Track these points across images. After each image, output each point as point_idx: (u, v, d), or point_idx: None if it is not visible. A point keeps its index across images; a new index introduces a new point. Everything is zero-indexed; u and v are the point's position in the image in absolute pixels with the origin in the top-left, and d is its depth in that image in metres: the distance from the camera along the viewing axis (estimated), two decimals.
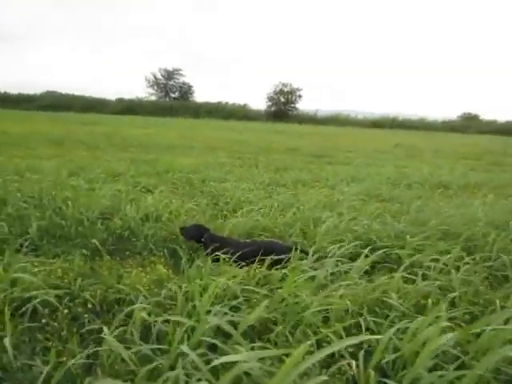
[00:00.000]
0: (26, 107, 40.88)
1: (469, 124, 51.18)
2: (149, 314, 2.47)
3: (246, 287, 2.60)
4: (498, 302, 2.77)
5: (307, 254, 3.55)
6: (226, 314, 2.32)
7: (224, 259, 3.30)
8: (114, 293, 2.81)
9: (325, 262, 3.30)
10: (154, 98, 51.58)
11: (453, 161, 13.99)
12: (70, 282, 2.89)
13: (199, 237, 3.84)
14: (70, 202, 4.55)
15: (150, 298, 2.68)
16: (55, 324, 2.41)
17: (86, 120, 26.24)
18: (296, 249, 3.68)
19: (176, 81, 52.15)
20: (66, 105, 43.53)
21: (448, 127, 49.20)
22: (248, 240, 4.10)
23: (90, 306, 2.65)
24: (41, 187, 5.15)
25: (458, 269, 3.29)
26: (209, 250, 3.55)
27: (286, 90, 49.65)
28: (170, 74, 51.96)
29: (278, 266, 3.23)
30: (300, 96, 50.14)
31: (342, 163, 11.44)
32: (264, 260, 3.32)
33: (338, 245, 3.66)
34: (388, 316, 2.55)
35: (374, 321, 2.47)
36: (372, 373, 1.83)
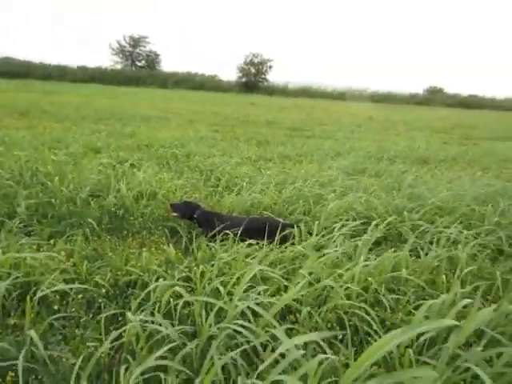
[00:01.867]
0: None
1: (434, 97, 52.49)
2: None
3: (266, 268, 2.54)
4: (498, 275, 2.88)
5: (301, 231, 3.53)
6: (249, 295, 2.27)
7: (228, 237, 3.23)
8: (125, 275, 2.69)
9: (332, 240, 3.30)
10: (119, 66, 49.20)
11: (425, 134, 14.33)
12: (75, 264, 2.74)
13: (191, 213, 3.73)
14: (56, 179, 4.30)
15: (164, 279, 2.59)
16: (71, 310, 2.28)
17: (47, 89, 24.75)
18: (291, 226, 3.67)
19: (142, 49, 49.75)
20: (24, 72, 40.68)
21: (414, 100, 50.23)
22: (242, 216, 4.05)
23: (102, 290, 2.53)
24: (20, 162, 4.82)
25: (458, 244, 3.40)
26: (214, 231, 3.43)
27: (256, 60, 48.66)
28: (135, 42, 49.36)
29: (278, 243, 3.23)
30: (271, 67, 49.36)
31: (320, 137, 11.45)
32: (261, 236, 3.29)
33: (341, 223, 3.64)
34: (405, 292, 2.60)
35: (394, 298, 2.51)
36: (409, 351, 1.85)
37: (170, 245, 3.15)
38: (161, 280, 2.42)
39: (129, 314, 2.04)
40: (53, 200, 3.92)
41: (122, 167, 5.12)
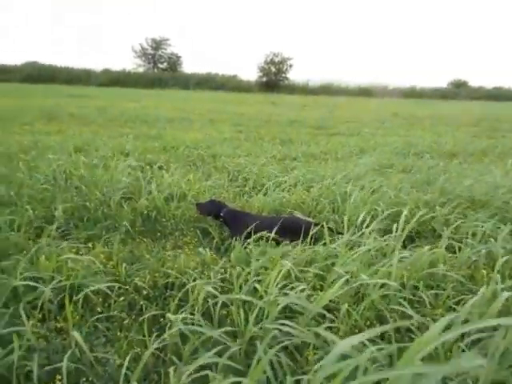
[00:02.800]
0: (3, 79, 38.94)
1: (459, 91, 51.20)
2: (205, 298, 2.43)
3: (302, 268, 2.55)
4: None
5: (332, 230, 3.51)
6: (287, 294, 2.28)
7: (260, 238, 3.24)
8: (162, 277, 2.75)
9: (363, 237, 3.25)
10: (141, 69, 50.09)
11: (452, 128, 13.96)
12: (114, 267, 2.81)
13: (217, 212, 3.73)
14: (89, 182, 4.43)
15: (201, 280, 2.63)
16: (114, 313, 2.34)
17: (73, 92, 25.38)
18: (321, 225, 3.65)
19: (164, 51, 50.46)
20: (49, 76, 41.94)
21: (439, 94, 49.05)
22: (269, 215, 4.05)
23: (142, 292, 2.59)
24: (53, 166, 4.97)
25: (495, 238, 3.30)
26: (245, 231, 3.44)
27: (276, 59, 48.56)
28: (157, 44, 50.14)
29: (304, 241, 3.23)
30: (291, 66, 49.17)
31: (344, 134, 11.34)
32: (291, 235, 3.29)
33: (369, 219, 3.59)
34: (444, 288, 2.55)
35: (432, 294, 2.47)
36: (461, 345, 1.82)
37: (205, 247, 3.18)
38: (198, 281, 2.46)
39: (169, 315, 2.07)
40: (87, 203, 4.04)
41: (151, 169, 5.22)
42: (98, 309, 2.35)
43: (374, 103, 28.79)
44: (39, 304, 2.22)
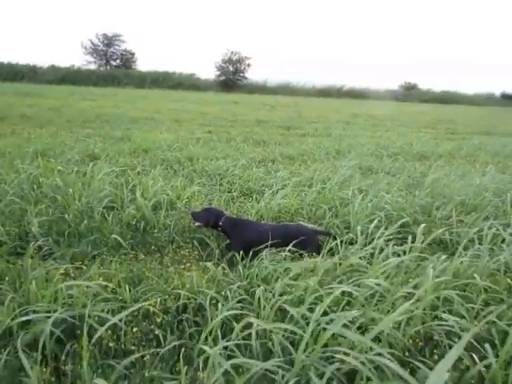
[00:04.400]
0: None
1: (409, 93, 53.58)
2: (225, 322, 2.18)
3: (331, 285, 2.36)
4: None
5: (335, 237, 3.38)
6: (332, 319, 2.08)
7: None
8: (173, 299, 2.45)
9: (376, 245, 3.13)
10: (92, 66, 47.69)
11: (413, 130, 14.46)
12: (114, 290, 2.48)
13: (215, 221, 3.43)
14: (69, 192, 3.99)
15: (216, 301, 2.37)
16: (131, 347, 2.03)
17: (21, 91, 23.64)
18: (328, 234, 3.53)
19: (117, 47, 48.33)
20: None
21: (391, 96, 51.01)
22: (271, 223, 3.85)
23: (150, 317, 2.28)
24: (22, 175, 4.44)
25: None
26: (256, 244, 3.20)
27: (234, 58, 48.24)
28: (109, 40, 47.92)
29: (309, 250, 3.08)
30: (249, 65, 49.05)
31: (314, 135, 11.35)
32: (297, 244, 3.12)
33: (373, 225, 3.48)
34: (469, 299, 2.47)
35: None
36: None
37: (206, 261, 2.91)
38: (219, 305, 2.20)
39: (206, 348, 1.81)
40: (66, 216, 3.61)
41: (130, 175, 4.82)
42: (110, 343, 2.02)
43: (333, 104, 29.36)
44: (41, 343, 1.85)
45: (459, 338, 2.18)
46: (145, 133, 9.39)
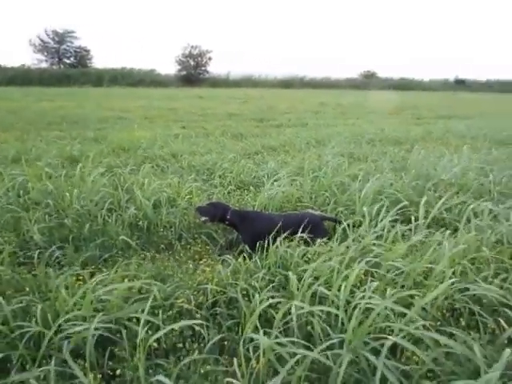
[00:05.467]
0: None
1: (369, 81, 54.95)
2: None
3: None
4: None
5: (340, 222, 3.46)
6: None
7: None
8: (202, 294, 2.43)
9: (384, 226, 3.22)
10: (44, 65, 45.36)
11: (381, 116, 14.90)
12: (140, 291, 2.42)
13: (222, 215, 3.38)
14: (57, 196, 3.84)
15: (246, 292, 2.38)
16: (168, 346, 2.00)
17: None
18: (335, 220, 3.60)
19: (69, 45, 46.17)
20: None
21: (351, 84, 52.15)
22: (280, 213, 3.88)
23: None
24: (7, 182, 4.20)
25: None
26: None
27: (195, 52, 47.50)
28: (60, 37, 45.61)
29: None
30: (210, 58, 48.50)
31: (289, 126, 11.45)
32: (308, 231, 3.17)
33: (375, 209, 3.58)
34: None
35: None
36: None
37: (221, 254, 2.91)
38: (256, 296, 2.21)
39: (259, 337, 1.81)
40: (66, 221, 3.47)
41: (121, 175, 4.69)
42: (154, 343, 1.98)
43: (298, 94, 29.65)
44: (88, 350, 1.80)
45: (481, 305, 2.32)
46: (118, 132, 9.13)
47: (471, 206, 3.50)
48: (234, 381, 1.69)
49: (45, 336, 1.86)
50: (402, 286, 2.45)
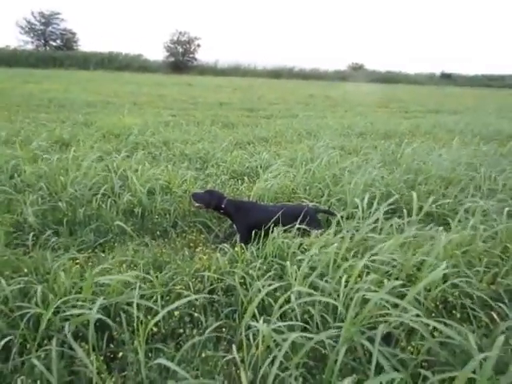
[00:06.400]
0: None
1: (356, 73, 55.17)
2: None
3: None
4: None
5: (334, 214, 3.52)
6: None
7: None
8: (199, 282, 2.46)
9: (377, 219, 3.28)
10: (30, 46, 44.10)
11: (369, 109, 15.00)
12: (138, 275, 2.43)
13: (217, 203, 3.39)
14: (51, 179, 3.79)
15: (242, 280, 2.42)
16: (179, 330, 2.03)
17: None
18: (329, 212, 3.65)
19: (55, 27, 44.92)
20: None
21: (339, 76, 52.30)
22: (273, 203, 3.91)
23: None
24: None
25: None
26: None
27: (183, 39, 46.79)
28: (47, 19, 44.32)
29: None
30: (199, 45, 47.87)
31: (278, 116, 11.43)
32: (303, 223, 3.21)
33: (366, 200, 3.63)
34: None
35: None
36: None
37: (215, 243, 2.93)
38: (257, 283, 2.25)
39: (260, 325, 1.85)
40: (60, 204, 3.44)
41: (115, 161, 4.65)
42: (153, 328, 2.00)
43: (287, 85, 29.57)
44: (90, 332, 1.81)
45: (471, 298, 2.40)
46: (107, 117, 9.00)
47: (467, 203, 3.57)
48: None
49: (44, 317, 1.87)
50: (396, 278, 2.52)
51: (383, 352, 1.81)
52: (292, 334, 1.84)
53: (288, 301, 2.13)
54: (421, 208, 3.55)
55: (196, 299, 2.24)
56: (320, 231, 3.15)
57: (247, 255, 2.77)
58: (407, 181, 4.58)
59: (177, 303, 1.91)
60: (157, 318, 1.84)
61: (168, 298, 2.29)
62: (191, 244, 3.21)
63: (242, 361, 1.84)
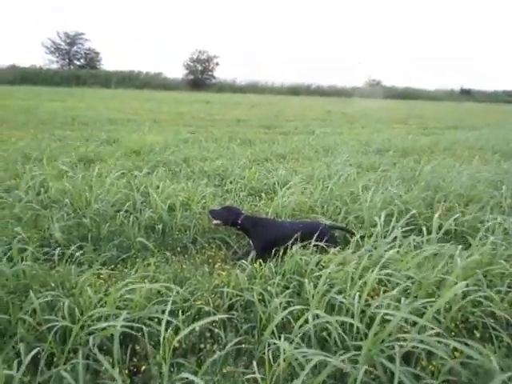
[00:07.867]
0: None
1: (374, 90, 55.21)
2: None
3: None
4: None
5: (349, 232, 3.53)
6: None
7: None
8: (219, 298, 2.50)
9: (396, 237, 3.28)
10: (55, 66, 45.91)
11: (387, 125, 14.97)
12: (159, 292, 2.49)
13: (234, 219, 3.42)
14: (75, 195, 3.93)
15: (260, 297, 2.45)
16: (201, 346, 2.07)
17: None
18: (344, 229, 3.66)
19: (80, 46, 46.80)
20: None
21: (357, 93, 52.37)
22: (290, 220, 3.94)
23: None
24: (28, 180, 4.30)
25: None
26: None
27: (202, 57, 47.92)
28: (72, 39, 46.26)
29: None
30: (217, 64, 48.89)
31: (296, 133, 11.53)
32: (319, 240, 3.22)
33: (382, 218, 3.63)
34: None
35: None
36: None
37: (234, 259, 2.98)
38: (276, 300, 2.28)
39: (281, 343, 1.88)
40: (84, 220, 3.57)
41: (137, 178, 4.78)
42: (175, 343, 2.05)
43: (305, 101, 29.80)
44: (116, 346, 1.87)
45: (494, 318, 2.37)
46: (128, 134, 9.25)
47: (489, 222, 3.54)
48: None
49: (72, 331, 1.94)
50: (415, 297, 2.51)
51: (403, 372, 1.82)
52: (315, 357, 1.86)
53: (307, 321, 2.15)
54: (440, 226, 3.54)
55: (215, 314, 2.28)
56: (337, 249, 3.16)
57: (266, 271, 2.82)
58: (426, 198, 4.56)
59: (201, 322, 1.95)
60: (181, 335, 1.89)
61: (189, 313, 2.34)
62: (210, 260, 3.27)
63: (263, 378, 1.87)
